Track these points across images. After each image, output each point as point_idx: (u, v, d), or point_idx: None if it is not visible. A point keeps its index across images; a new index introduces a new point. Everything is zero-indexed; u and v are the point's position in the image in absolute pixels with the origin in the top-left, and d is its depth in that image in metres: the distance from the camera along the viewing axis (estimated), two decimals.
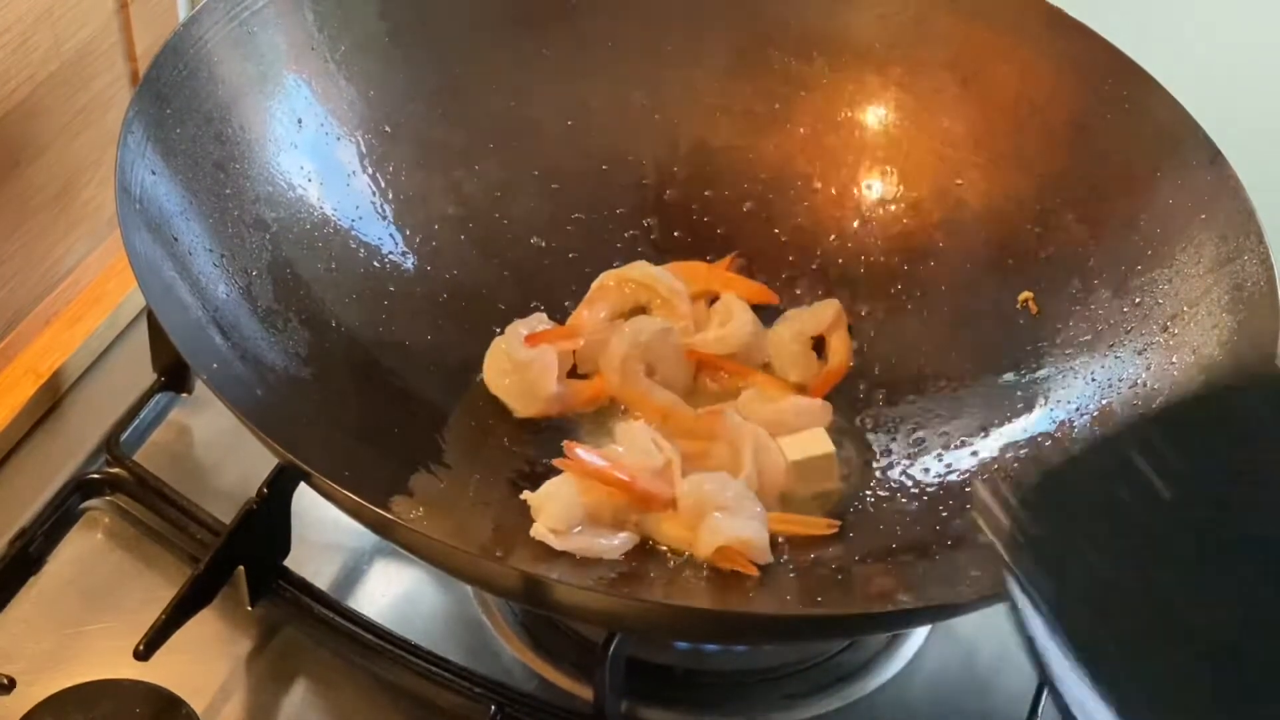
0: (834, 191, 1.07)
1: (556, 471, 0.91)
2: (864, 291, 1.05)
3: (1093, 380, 0.95)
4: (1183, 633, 0.62)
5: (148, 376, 1.03)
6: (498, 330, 0.99)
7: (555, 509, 0.89)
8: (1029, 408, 0.96)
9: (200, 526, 0.95)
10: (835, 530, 0.93)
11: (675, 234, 1.07)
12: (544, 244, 1.05)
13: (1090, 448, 0.70)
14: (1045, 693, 0.90)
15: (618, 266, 1.03)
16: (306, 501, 0.91)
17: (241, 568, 0.91)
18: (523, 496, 0.90)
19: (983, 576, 0.87)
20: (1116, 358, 0.95)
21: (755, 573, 0.88)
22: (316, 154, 1.00)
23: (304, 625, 0.92)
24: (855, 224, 1.06)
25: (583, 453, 0.90)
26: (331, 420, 0.93)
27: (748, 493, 0.91)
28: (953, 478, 0.95)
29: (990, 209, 1.03)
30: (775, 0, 1.08)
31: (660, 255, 1.06)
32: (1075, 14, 1.03)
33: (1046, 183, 1.02)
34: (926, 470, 0.96)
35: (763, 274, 1.06)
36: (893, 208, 1.06)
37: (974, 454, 0.96)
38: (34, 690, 0.86)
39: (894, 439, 0.99)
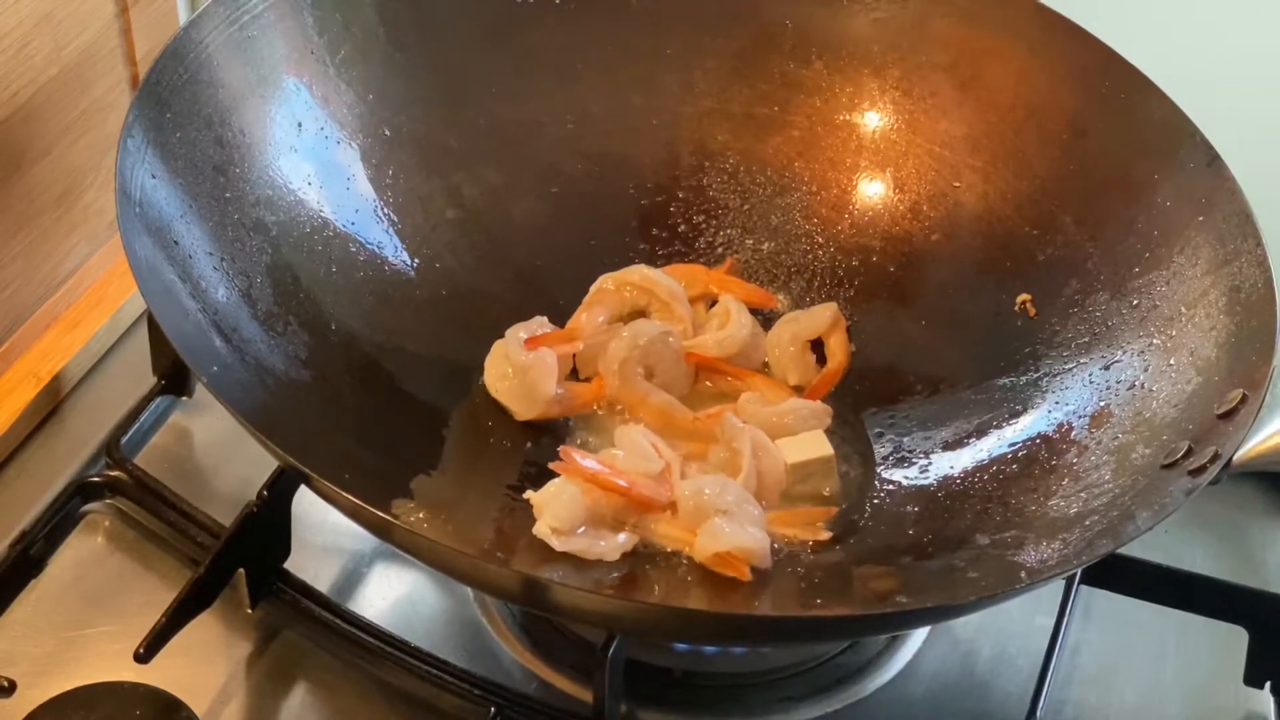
0: (832, 194, 1.07)
1: (556, 474, 0.91)
2: (862, 293, 1.05)
3: (1091, 382, 0.95)
4: None
5: (148, 380, 1.04)
6: (497, 333, 0.99)
7: (558, 508, 0.89)
8: (1027, 409, 0.96)
9: (200, 529, 0.95)
10: (833, 533, 0.93)
11: (674, 237, 1.07)
12: (543, 247, 1.06)
13: None
14: (1044, 694, 0.90)
15: (617, 269, 1.03)
16: (306, 504, 0.91)
17: (242, 570, 0.91)
18: (525, 496, 0.90)
19: (981, 578, 0.87)
20: (1115, 359, 0.95)
21: (749, 578, 0.88)
22: (316, 157, 1.00)
23: (304, 628, 0.93)
24: (853, 226, 1.06)
25: (579, 458, 0.91)
26: (331, 423, 0.93)
27: (747, 496, 0.91)
28: (951, 479, 0.95)
29: (988, 211, 1.04)
30: (774, 4, 1.08)
31: (659, 258, 1.06)
32: (1073, 17, 1.03)
33: (1044, 185, 1.02)
34: (925, 472, 0.97)
35: (761, 276, 1.06)
36: (891, 210, 1.06)
37: (972, 456, 0.96)
38: (34, 693, 0.87)
39: (893, 441, 0.99)
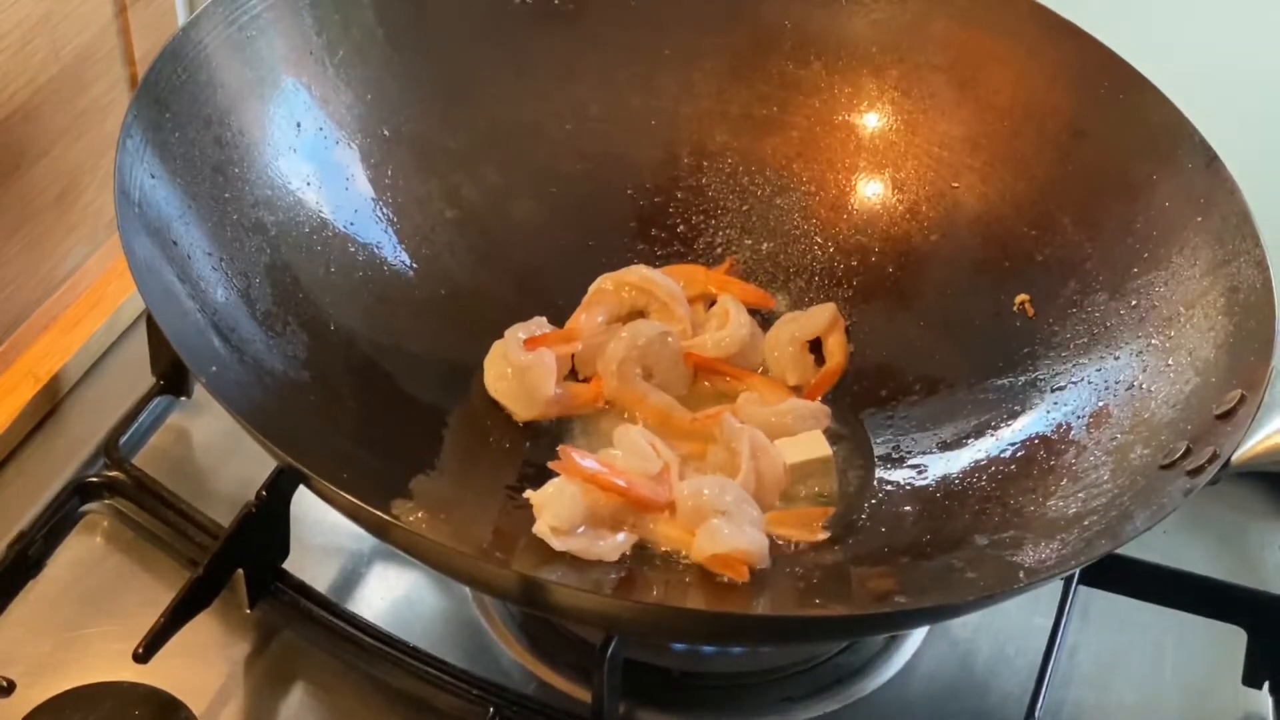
0: (831, 194, 1.07)
1: (555, 474, 0.91)
2: (861, 294, 1.05)
3: (1089, 382, 0.95)
4: None
5: (147, 380, 1.04)
6: (496, 334, 0.99)
7: (558, 508, 0.89)
8: (1025, 409, 0.96)
9: (199, 529, 0.95)
10: (831, 533, 0.93)
11: (673, 237, 1.07)
12: (542, 247, 1.06)
13: None
14: (1043, 694, 0.90)
15: (616, 270, 1.03)
16: (305, 504, 0.91)
17: (240, 571, 0.91)
18: (525, 495, 0.90)
19: (980, 578, 0.87)
20: (1113, 360, 0.95)
21: (747, 578, 0.88)
22: (315, 158, 1.00)
23: (303, 628, 0.93)
24: (852, 226, 1.06)
25: (578, 457, 0.91)
26: (330, 423, 0.93)
27: (746, 496, 0.91)
28: (950, 479, 0.96)
29: (987, 212, 1.04)
30: (773, 4, 1.08)
31: (658, 258, 1.06)
32: (1071, 18, 1.03)
33: (1043, 185, 1.02)
34: (923, 472, 0.97)
35: (760, 277, 1.06)
36: (889, 210, 1.06)
37: (971, 456, 0.96)
38: (33, 693, 0.86)
39: (891, 441, 0.99)
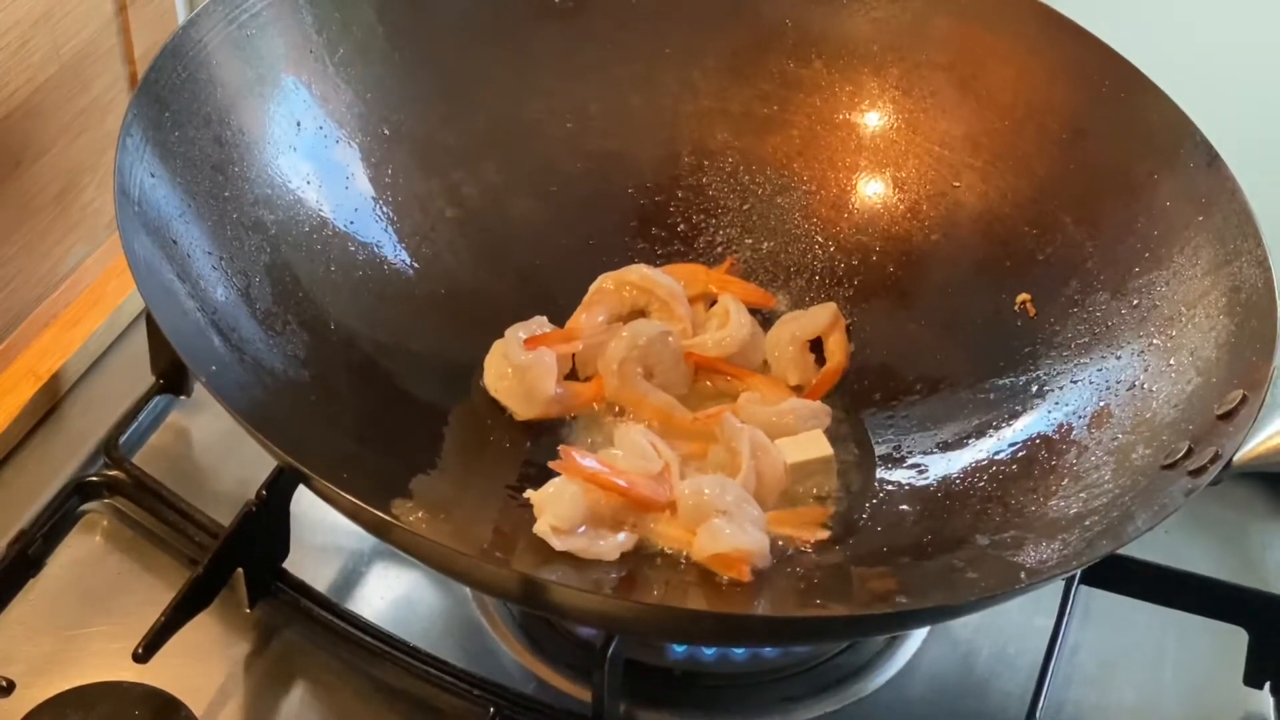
0: (832, 193, 1.07)
1: (555, 473, 0.91)
2: (861, 293, 1.05)
3: (1090, 382, 0.95)
4: None
5: (146, 379, 1.04)
6: (497, 333, 0.99)
7: (559, 508, 0.89)
8: (1027, 409, 0.96)
9: (199, 529, 0.95)
10: (832, 533, 0.93)
11: (673, 236, 1.07)
12: (543, 246, 1.06)
13: None
14: (1044, 694, 0.90)
15: (616, 269, 1.03)
16: (305, 504, 0.91)
17: (240, 570, 0.91)
18: (526, 495, 0.90)
19: (981, 578, 0.87)
20: (1115, 359, 0.95)
21: (748, 578, 0.88)
22: (315, 156, 1.00)
23: (303, 627, 0.93)
24: (853, 226, 1.06)
25: (579, 457, 0.90)
26: (330, 423, 0.93)
27: (746, 496, 0.91)
28: (950, 479, 0.95)
29: (988, 211, 1.03)
30: (774, 2, 1.08)
31: (658, 257, 1.06)
32: (1073, 17, 1.03)
33: (1044, 184, 1.02)
34: (924, 472, 0.97)
35: (760, 276, 1.06)
36: (890, 209, 1.06)
37: (972, 456, 0.96)
38: (33, 692, 0.86)
39: (892, 441, 0.99)
